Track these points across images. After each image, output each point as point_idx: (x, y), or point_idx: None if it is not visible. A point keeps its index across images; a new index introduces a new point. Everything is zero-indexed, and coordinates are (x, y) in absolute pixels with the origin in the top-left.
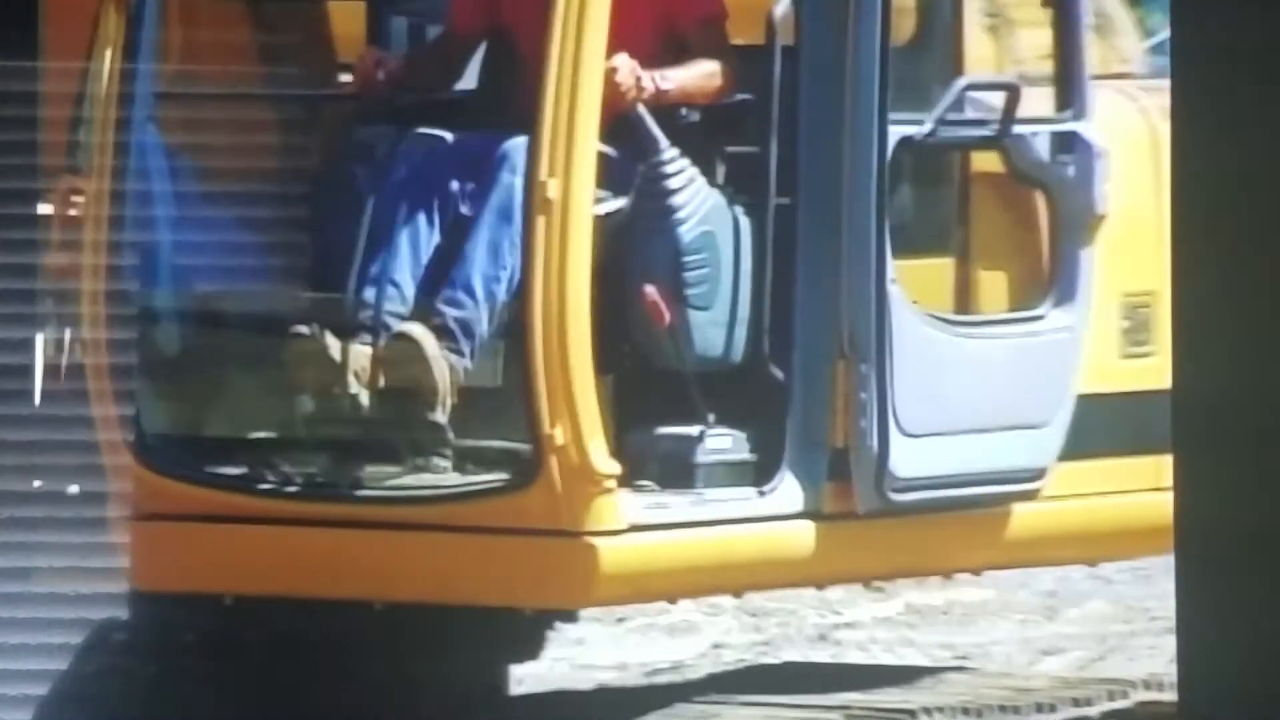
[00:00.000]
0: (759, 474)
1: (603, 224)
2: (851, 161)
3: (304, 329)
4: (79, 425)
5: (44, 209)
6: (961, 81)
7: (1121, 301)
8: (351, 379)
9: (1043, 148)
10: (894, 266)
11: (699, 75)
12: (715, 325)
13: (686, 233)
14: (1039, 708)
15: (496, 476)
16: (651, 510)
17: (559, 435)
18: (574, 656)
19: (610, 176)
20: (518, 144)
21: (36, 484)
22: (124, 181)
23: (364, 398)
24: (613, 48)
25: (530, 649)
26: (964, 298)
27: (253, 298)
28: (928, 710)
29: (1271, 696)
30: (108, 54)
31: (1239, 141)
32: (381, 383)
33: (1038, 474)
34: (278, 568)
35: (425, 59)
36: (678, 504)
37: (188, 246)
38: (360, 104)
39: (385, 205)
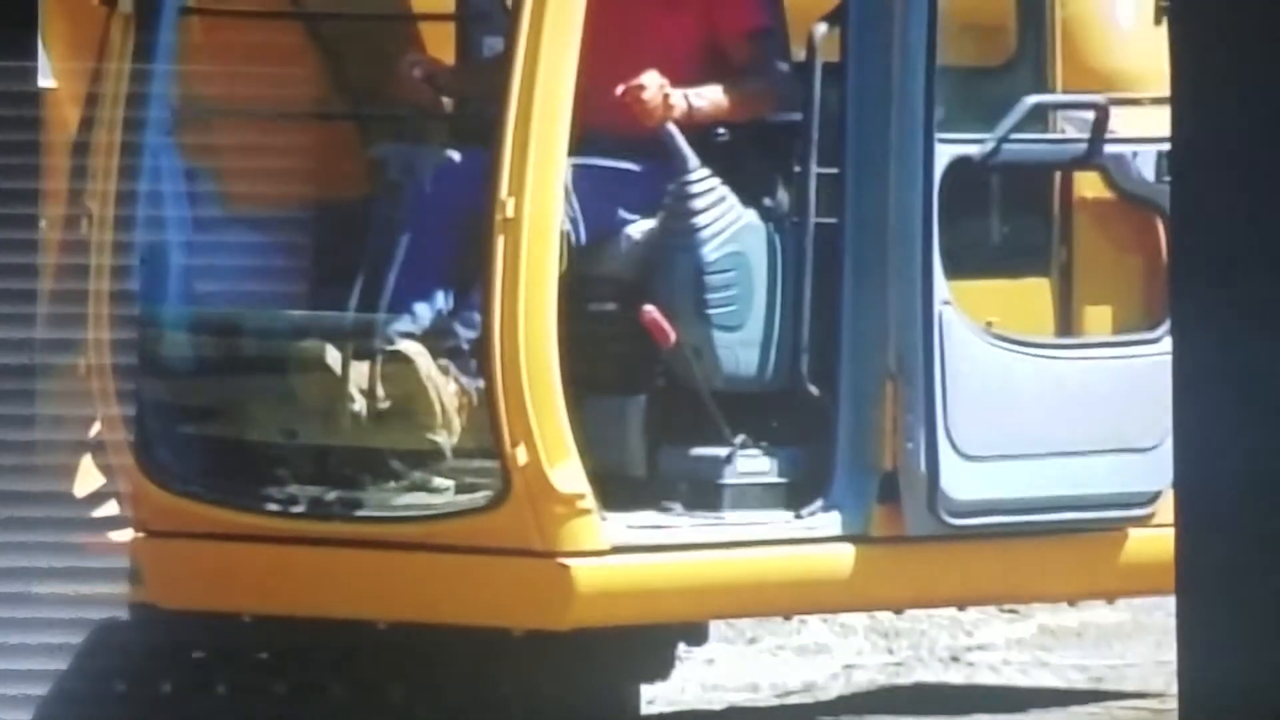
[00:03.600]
0: (799, 496)
1: (630, 244)
2: (898, 181)
3: (310, 345)
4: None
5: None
6: (1029, 100)
7: None
8: (352, 397)
9: (1149, 168)
10: (949, 287)
11: (739, 94)
12: (747, 345)
13: (711, 252)
14: None
15: (479, 496)
16: (638, 531)
17: (520, 456)
18: (704, 677)
19: (641, 196)
20: None
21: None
22: (134, 187)
23: (364, 416)
24: (651, 58)
25: (660, 669)
26: (1064, 320)
27: (261, 314)
28: None
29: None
30: (119, 61)
31: (1240, 140)
32: (380, 402)
33: (1144, 499)
34: (271, 586)
35: (471, 74)
36: (678, 526)
37: (198, 258)
38: (380, 120)
39: (401, 224)
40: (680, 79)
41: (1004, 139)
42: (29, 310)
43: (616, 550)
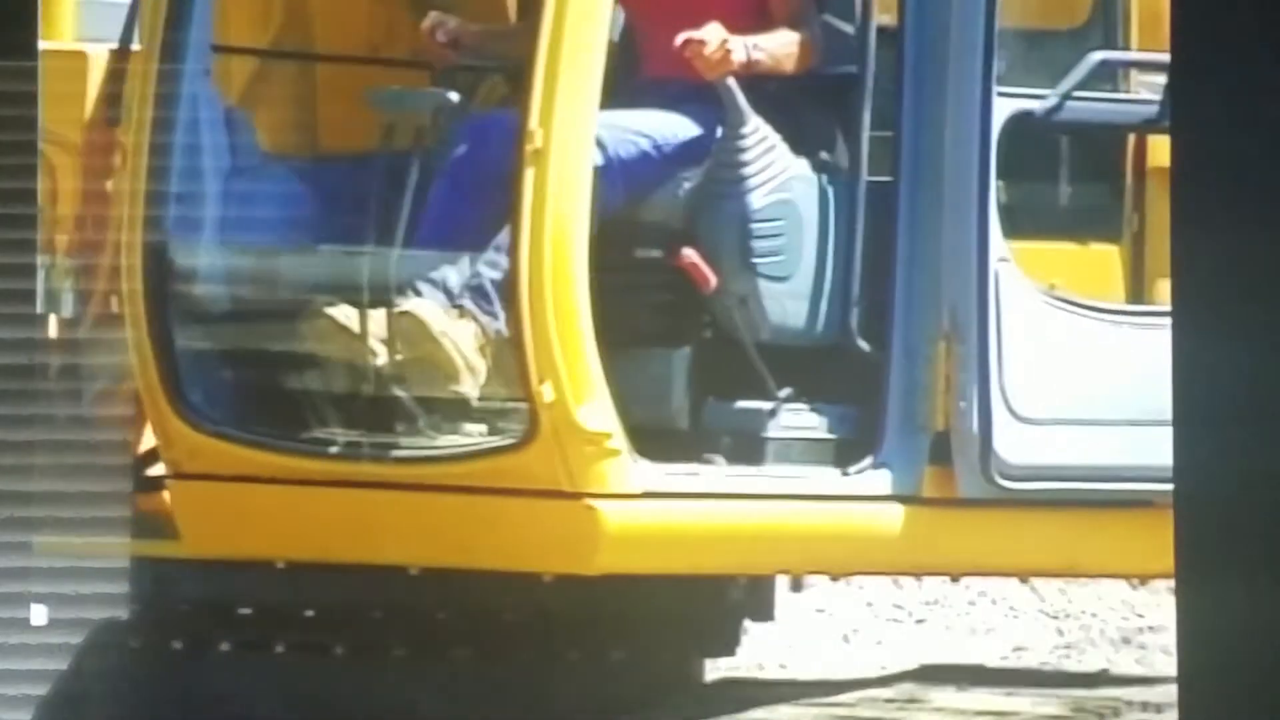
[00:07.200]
0: (848, 453)
1: (678, 191)
2: (955, 135)
3: (324, 302)
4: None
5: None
6: (1095, 56)
7: None
8: (373, 351)
9: None
10: (1006, 246)
11: (788, 44)
12: (794, 297)
13: (758, 199)
14: None
15: (508, 435)
16: (674, 478)
17: (546, 393)
18: (874, 658)
19: (691, 143)
20: None
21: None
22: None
23: (384, 370)
24: (709, 10)
25: (726, 644)
26: (1137, 287)
27: (289, 263)
28: None
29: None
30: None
31: (1241, 138)
32: (398, 357)
33: None
34: (302, 530)
35: (497, 37)
36: (715, 475)
37: (230, 202)
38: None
39: (425, 179)
40: (734, 31)
41: (1068, 95)
42: (29, 310)
43: (649, 495)
